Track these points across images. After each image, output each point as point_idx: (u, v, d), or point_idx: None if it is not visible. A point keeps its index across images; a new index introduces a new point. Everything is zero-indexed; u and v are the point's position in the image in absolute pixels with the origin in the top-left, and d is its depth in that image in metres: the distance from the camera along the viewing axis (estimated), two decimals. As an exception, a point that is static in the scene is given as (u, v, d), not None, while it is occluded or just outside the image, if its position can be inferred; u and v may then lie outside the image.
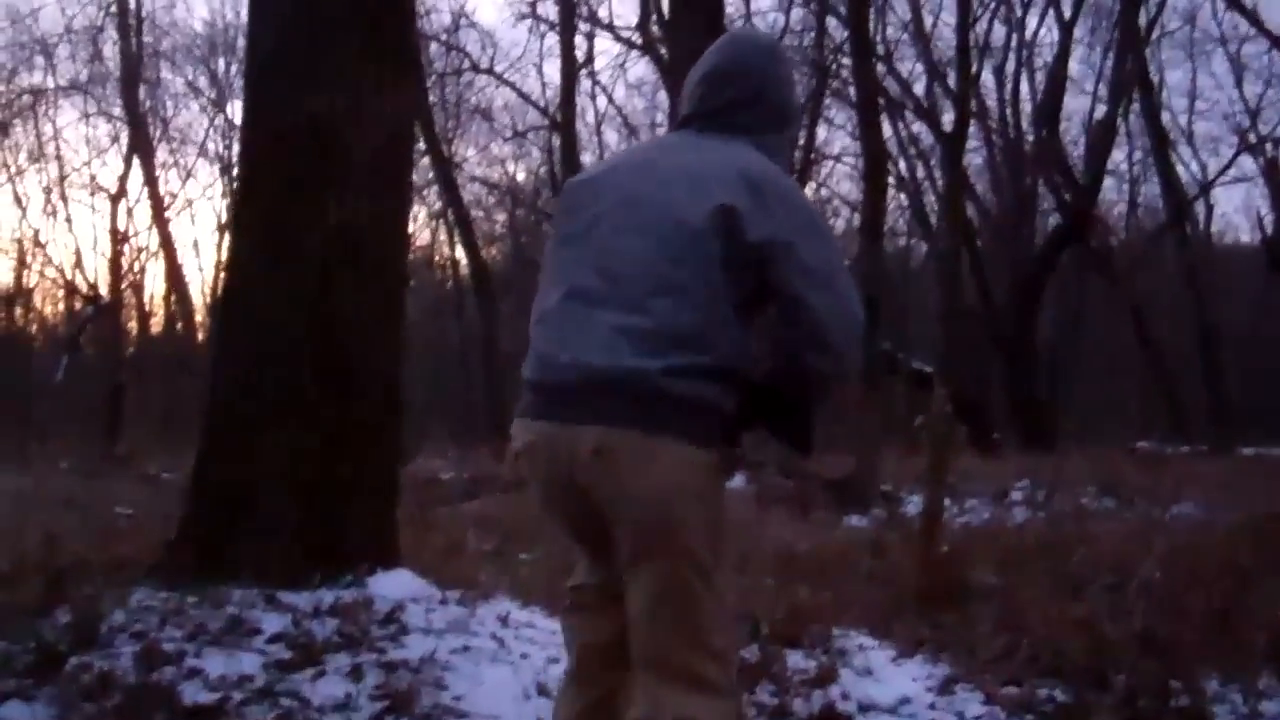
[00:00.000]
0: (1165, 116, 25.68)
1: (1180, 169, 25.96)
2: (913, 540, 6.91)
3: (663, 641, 2.45)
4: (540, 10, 22.73)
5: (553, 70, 21.37)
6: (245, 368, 3.84)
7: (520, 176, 30.21)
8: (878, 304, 10.60)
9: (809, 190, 24.67)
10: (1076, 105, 33.32)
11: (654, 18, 20.23)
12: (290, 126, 3.86)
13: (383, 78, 3.95)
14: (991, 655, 3.92)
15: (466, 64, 24.61)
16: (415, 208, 33.79)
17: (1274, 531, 6.69)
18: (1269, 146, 26.06)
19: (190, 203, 37.63)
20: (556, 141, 22.76)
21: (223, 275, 15.18)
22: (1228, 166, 26.93)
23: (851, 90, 23.22)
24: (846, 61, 19.75)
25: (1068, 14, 23.75)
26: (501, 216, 32.72)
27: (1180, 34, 26.34)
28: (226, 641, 3.48)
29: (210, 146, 29.41)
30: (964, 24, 10.79)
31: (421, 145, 20.65)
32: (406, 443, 22.19)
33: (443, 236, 33.72)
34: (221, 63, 28.23)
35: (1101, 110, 24.77)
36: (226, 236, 25.90)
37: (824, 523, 8.77)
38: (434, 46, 24.08)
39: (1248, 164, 27.60)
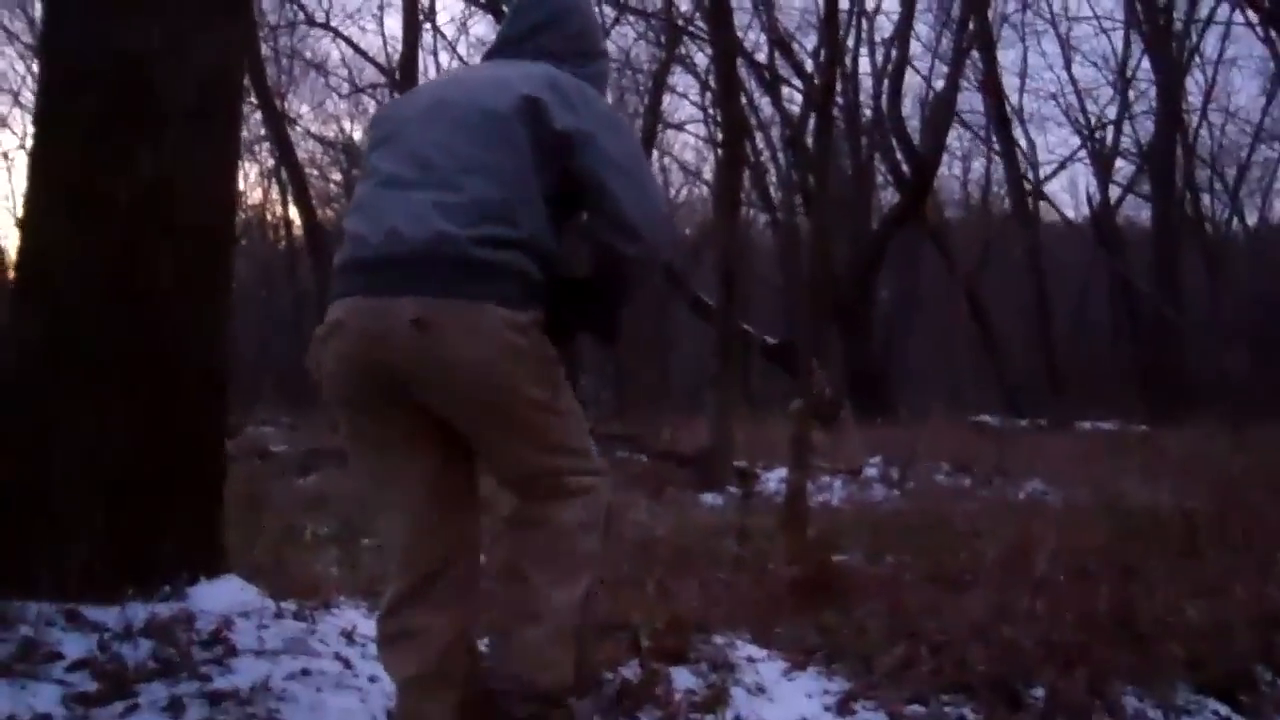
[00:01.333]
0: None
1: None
2: (777, 522, 6.62)
3: (528, 463, 2.53)
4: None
5: (394, 25, 20.52)
6: (39, 343, 3.22)
7: (357, 135, 29.41)
8: (734, 279, 10.26)
9: (653, 157, 24.38)
10: (910, 82, 33.56)
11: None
12: (95, 61, 3.26)
13: (209, 8, 3.38)
14: (889, 667, 3.55)
15: (302, 17, 23.87)
16: (246, 165, 32.89)
17: (1145, 522, 6.54)
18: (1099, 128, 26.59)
19: (6, 155, 35.54)
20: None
21: (16, 236, 14.18)
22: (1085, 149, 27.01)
23: (696, 57, 23.28)
24: (692, 28, 19.49)
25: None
26: (337, 176, 31.94)
27: (1014, 16, 26.68)
28: (18, 670, 2.88)
29: (28, 96, 27.97)
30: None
31: (252, 100, 19.72)
32: (235, 410, 21.61)
33: (275, 195, 32.66)
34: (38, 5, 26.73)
35: (939, 86, 24.88)
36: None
37: (679, 502, 8.39)
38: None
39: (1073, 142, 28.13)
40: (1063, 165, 25.78)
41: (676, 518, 7.52)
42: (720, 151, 27.68)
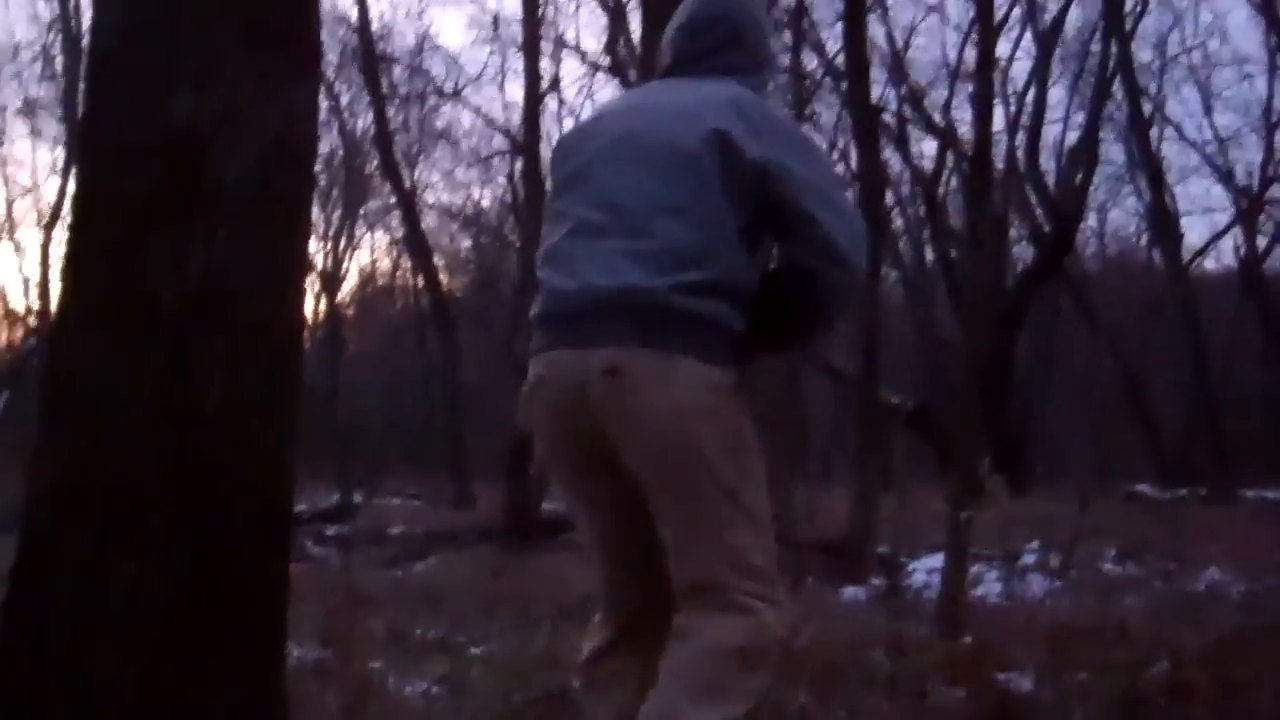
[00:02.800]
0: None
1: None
2: (933, 630, 5.95)
3: (697, 568, 2.44)
4: (506, 32, 22.01)
5: (517, 92, 20.44)
6: (68, 469, 2.72)
7: (485, 201, 29.39)
8: (876, 350, 9.61)
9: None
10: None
11: (622, 39, 19.34)
12: (139, 139, 2.77)
13: (270, 75, 2.86)
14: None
15: (430, 87, 23.96)
16: (376, 233, 33.07)
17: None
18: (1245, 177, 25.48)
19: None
20: (520, 165, 21.87)
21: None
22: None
23: (822, 116, 22.66)
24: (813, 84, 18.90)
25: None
26: (466, 243, 32.02)
27: (1153, 64, 25.70)
28: None
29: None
30: (986, 38, 9.81)
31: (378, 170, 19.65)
32: (363, 482, 21.47)
33: (406, 263, 32.81)
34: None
35: (1073, 137, 24.00)
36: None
37: (818, 597, 7.72)
38: (397, 69, 23.49)
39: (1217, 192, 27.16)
40: (1225, 231, 24.48)
41: (817, 619, 6.86)
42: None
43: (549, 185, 2.84)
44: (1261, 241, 26.64)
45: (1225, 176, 27.13)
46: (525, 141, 14.14)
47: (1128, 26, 21.52)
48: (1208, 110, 27.52)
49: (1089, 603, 7.13)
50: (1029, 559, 9.10)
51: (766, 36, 2.92)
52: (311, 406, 31.26)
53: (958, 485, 6.64)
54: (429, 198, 29.96)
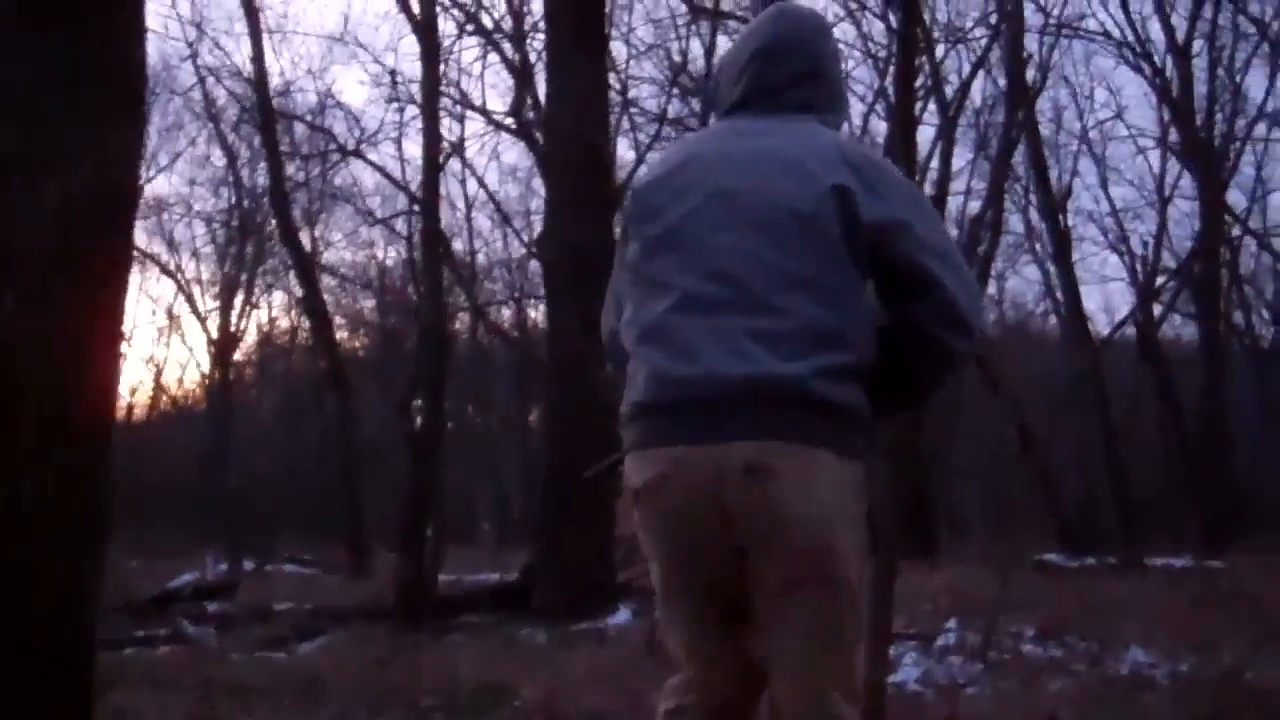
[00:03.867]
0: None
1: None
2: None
3: (815, 677, 2.31)
4: (406, 89, 21.55)
5: (419, 150, 19.99)
6: None
7: (390, 260, 28.86)
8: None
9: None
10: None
11: (529, 102, 19.00)
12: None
13: (87, 112, 2.39)
14: None
15: (331, 145, 23.52)
16: (274, 294, 32.36)
17: None
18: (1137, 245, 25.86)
19: None
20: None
21: None
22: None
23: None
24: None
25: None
26: (370, 301, 31.55)
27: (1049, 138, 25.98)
28: None
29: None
30: (906, 110, 9.55)
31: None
32: (257, 549, 20.63)
33: (306, 323, 32.07)
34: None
35: (974, 207, 24.11)
36: None
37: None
38: (299, 128, 23.02)
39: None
40: (1129, 315, 24.91)
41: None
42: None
43: (630, 244, 2.53)
44: (1157, 309, 26.94)
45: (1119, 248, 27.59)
46: (425, 201, 13.66)
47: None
48: (1104, 183, 27.84)
49: (1013, 689, 6.74)
50: (947, 639, 8.70)
51: (841, 72, 2.75)
52: (202, 470, 30.59)
53: (881, 559, 6.20)
54: (330, 256, 29.44)
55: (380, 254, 30.10)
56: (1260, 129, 25.36)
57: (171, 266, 30.55)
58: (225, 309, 30.38)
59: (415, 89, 18.34)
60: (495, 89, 45.61)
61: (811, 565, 2.27)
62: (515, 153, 36.59)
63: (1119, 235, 27.96)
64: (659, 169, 2.62)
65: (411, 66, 21.93)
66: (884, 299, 2.43)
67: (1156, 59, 24.83)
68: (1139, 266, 27.37)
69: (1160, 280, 26.51)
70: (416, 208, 18.20)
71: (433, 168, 13.19)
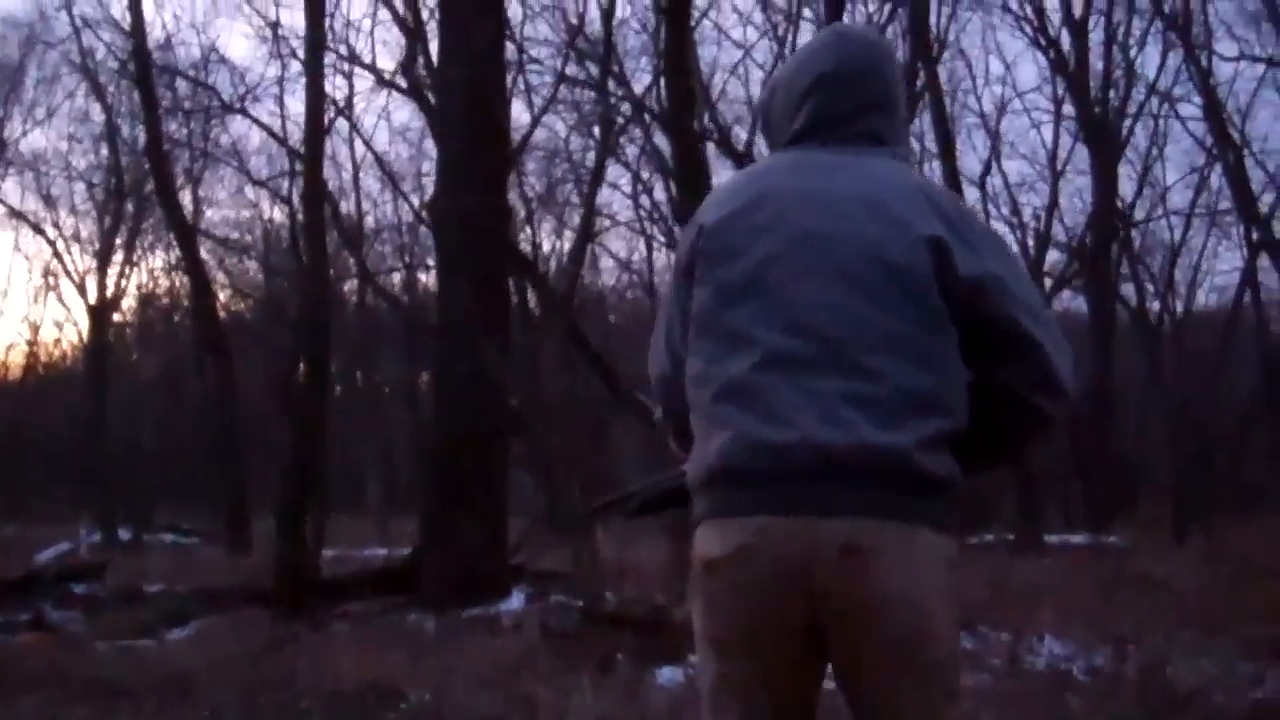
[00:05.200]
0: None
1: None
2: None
3: None
4: (289, 45, 20.79)
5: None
6: None
7: (276, 220, 28.00)
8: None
9: (588, 251, 23.12)
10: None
11: (420, 60, 18.35)
12: None
13: None
14: None
15: (214, 102, 22.71)
16: (155, 255, 31.30)
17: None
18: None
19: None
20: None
21: None
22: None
23: (629, 151, 22.06)
24: (624, 116, 18.26)
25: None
26: (254, 263, 30.68)
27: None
28: None
29: None
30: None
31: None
32: (136, 514, 19.96)
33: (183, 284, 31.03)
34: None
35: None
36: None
37: (630, 682, 6.85)
38: (182, 84, 22.29)
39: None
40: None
41: (620, 712, 6.03)
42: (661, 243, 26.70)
43: (699, 287, 2.30)
44: (1048, 283, 27.07)
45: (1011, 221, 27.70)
46: (308, 162, 13.02)
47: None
48: (997, 156, 27.87)
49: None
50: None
51: (904, 97, 2.53)
52: (75, 436, 29.58)
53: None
54: (214, 216, 28.51)
55: (266, 213, 29.15)
56: (1151, 105, 25.54)
57: (48, 224, 29.33)
58: (103, 269, 29.27)
59: (300, 44, 17.63)
60: (386, 46, 44.74)
61: (908, 651, 2.09)
62: (406, 112, 35.73)
63: (1011, 208, 28.05)
64: (729, 204, 2.34)
65: (298, 19, 21.14)
66: (972, 358, 2.22)
67: (1053, 32, 24.85)
68: (1030, 240, 27.47)
69: (1051, 255, 26.68)
70: (299, 168, 17.48)
71: (316, 127, 12.57)
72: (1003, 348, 2.22)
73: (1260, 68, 24.90)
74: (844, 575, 2.05)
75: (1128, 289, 27.56)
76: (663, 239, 25.25)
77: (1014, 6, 24.94)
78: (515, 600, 9.92)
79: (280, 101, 22.12)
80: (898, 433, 2.08)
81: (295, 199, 20.24)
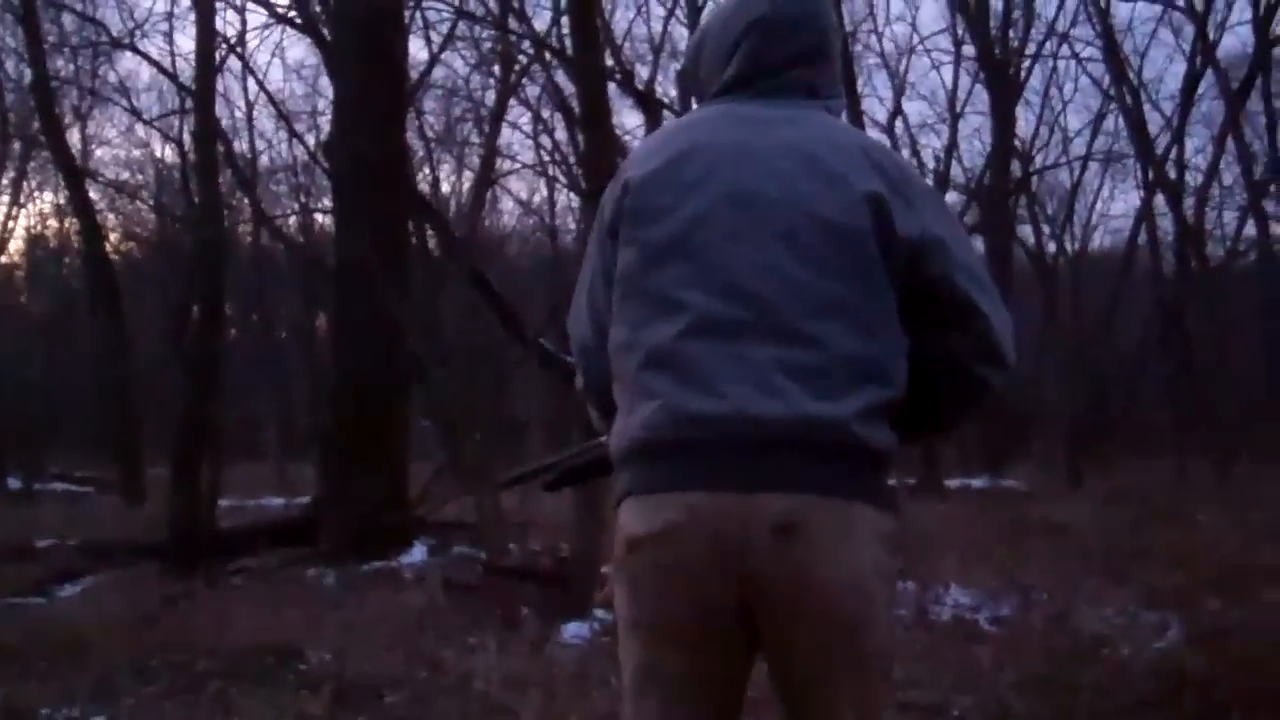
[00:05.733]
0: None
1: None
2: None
3: None
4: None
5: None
6: None
7: (169, 155, 27.24)
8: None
9: (489, 195, 22.79)
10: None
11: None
12: None
13: None
14: None
15: (104, 37, 21.94)
16: (43, 196, 30.41)
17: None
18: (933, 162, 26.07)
19: None
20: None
21: None
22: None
23: (529, 91, 21.70)
24: (527, 54, 17.92)
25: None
26: (149, 203, 29.80)
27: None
28: None
29: None
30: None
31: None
32: (25, 461, 19.41)
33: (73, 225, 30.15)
34: None
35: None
36: None
37: (533, 639, 6.73)
38: (69, 19, 21.50)
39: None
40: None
41: (522, 666, 5.93)
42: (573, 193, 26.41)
43: (624, 249, 2.16)
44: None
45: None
46: (199, 100, 12.60)
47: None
48: (898, 96, 27.95)
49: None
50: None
51: (840, 45, 2.39)
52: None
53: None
54: (104, 154, 27.69)
55: (158, 153, 28.35)
56: (1049, 46, 25.78)
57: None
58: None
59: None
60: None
61: (844, 634, 1.99)
62: (302, 48, 34.96)
63: (911, 150, 28.20)
64: (656, 158, 2.18)
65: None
66: (912, 324, 2.11)
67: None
68: (930, 182, 27.63)
69: (950, 197, 26.83)
70: (190, 106, 16.94)
71: (206, 64, 12.15)
72: (944, 314, 2.12)
73: (1157, 9, 25.24)
74: (778, 556, 1.94)
75: (1025, 230, 27.94)
76: (564, 181, 24.92)
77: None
78: (417, 553, 9.77)
79: (169, 38, 21.45)
80: (836, 403, 1.97)
81: (187, 138, 19.61)
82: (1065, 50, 26.13)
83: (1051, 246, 29.52)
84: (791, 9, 2.23)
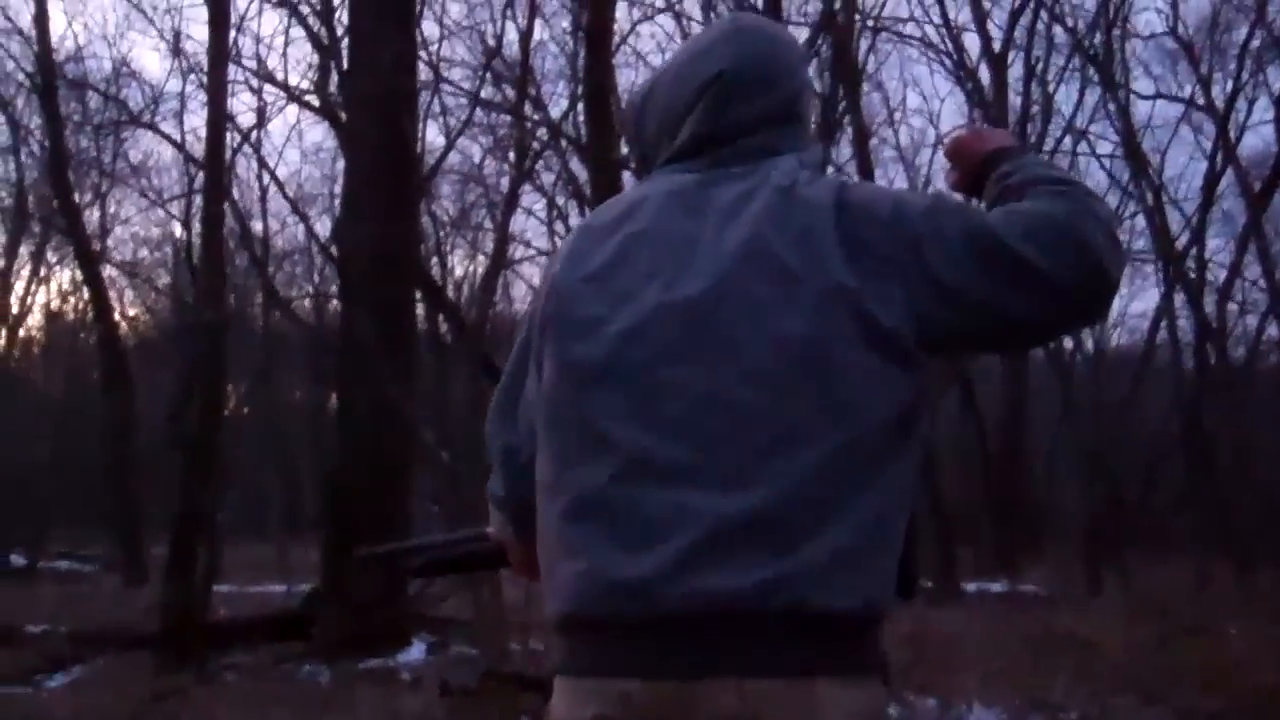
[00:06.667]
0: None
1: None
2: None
3: None
4: (196, 59, 20.11)
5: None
6: None
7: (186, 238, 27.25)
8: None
9: (501, 280, 22.64)
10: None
11: (334, 79, 17.78)
12: None
13: None
14: None
15: (125, 116, 22.06)
16: (60, 274, 30.44)
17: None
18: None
19: None
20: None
21: None
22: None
23: (544, 177, 21.63)
24: (544, 141, 17.85)
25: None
26: (165, 279, 29.96)
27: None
28: None
29: None
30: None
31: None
32: (31, 537, 19.13)
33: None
34: None
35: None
36: None
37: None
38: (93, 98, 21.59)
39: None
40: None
41: None
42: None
43: (547, 361, 1.83)
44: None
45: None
46: (208, 182, 12.45)
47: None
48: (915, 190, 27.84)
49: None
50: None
51: (812, 101, 2.07)
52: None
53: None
54: (122, 233, 27.74)
55: (177, 232, 28.39)
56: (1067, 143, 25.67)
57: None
58: (4, 285, 28.48)
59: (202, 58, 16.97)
60: (299, 65, 43.79)
61: None
62: (319, 131, 35.00)
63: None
64: (588, 256, 1.85)
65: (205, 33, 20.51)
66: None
67: (970, 64, 24.86)
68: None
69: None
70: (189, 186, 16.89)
71: (217, 145, 12.02)
72: (1000, 324, 1.72)
73: (1178, 108, 25.15)
74: None
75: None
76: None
77: (935, 40, 24.85)
78: (415, 650, 9.47)
79: (180, 118, 21.50)
80: (793, 558, 1.61)
81: (198, 220, 19.64)
82: (1084, 147, 25.96)
83: (1069, 344, 29.24)
84: (756, 63, 1.90)
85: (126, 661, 9.59)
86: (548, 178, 21.13)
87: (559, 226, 23.50)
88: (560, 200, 22.20)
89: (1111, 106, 23.50)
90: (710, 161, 1.88)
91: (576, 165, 17.21)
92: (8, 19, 21.79)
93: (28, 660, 9.70)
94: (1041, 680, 7.76)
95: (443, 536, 2.30)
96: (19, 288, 29.26)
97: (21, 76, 22.54)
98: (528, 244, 25.33)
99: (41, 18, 19.63)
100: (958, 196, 1.97)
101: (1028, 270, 1.66)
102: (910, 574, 1.77)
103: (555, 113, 18.78)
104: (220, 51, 12.07)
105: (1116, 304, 29.15)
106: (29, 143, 25.06)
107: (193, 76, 20.07)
